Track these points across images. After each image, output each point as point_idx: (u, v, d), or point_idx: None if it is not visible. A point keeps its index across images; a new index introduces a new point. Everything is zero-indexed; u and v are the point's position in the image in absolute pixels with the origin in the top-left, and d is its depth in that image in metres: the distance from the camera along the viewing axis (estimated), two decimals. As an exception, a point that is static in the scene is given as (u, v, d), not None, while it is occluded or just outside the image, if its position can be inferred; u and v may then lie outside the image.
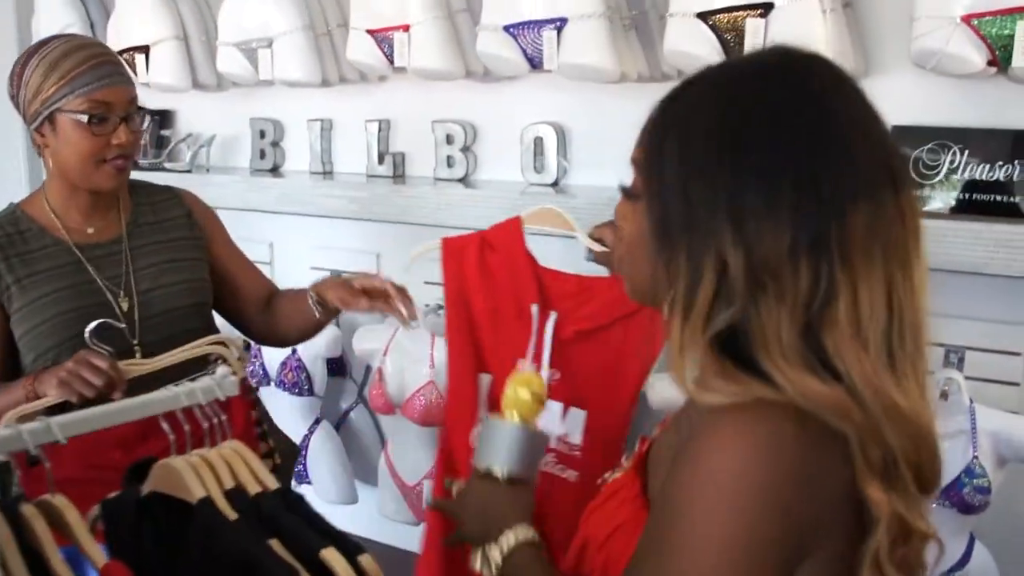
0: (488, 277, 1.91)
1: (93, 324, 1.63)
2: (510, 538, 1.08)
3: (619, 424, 1.85)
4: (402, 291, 1.80)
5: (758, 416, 0.84)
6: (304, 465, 2.76)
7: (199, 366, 1.64)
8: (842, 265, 0.82)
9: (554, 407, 1.83)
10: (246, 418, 1.66)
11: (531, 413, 1.21)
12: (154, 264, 1.85)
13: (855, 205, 0.83)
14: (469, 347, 1.91)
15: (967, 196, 1.93)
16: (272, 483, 1.13)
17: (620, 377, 1.85)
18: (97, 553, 0.96)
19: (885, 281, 0.84)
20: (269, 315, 2.01)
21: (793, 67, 0.90)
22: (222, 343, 1.65)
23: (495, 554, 1.10)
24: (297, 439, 2.65)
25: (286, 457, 1.98)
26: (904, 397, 0.84)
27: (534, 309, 1.85)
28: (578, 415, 1.86)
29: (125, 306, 1.78)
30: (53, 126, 1.72)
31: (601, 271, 1.84)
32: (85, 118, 1.69)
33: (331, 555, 0.97)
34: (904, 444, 0.84)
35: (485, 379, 1.91)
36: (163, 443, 1.28)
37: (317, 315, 1.88)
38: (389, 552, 2.94)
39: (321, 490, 2.76)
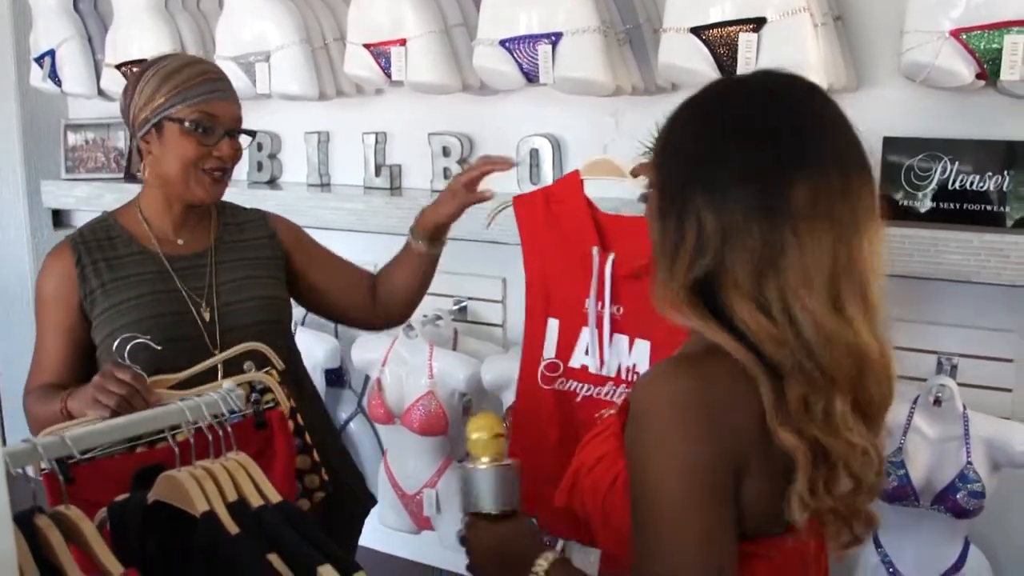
0: (555, 228, 2.05)
1: (118, 340, 1.62)
2: (543, 562, 1.21)
3: None
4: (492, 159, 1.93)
5: (678, 373, 1.10)
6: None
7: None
8: (791, 227, 1.03)
9: (621, 340, 1.99)
10: (287, 447, 1.55)
11: (496, 450, 1.29)
12: (234, 280, 1.87)
13: (798, 182, 1.04)
14: (540, 295, 2.08)
15: (958, 206, 1.96)
16: (274, 496, 1.15)
17: None
18: (113, 563, 0.98)
19: (831, 239, 1.04)
20: (377, 294, 2.04)
21: (772, 83, 1.14)
22: (260, 355, 1.62)
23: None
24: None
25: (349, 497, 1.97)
26: (846, 328, 1.04)
27: (595, 251, 1.97)
28: (643, 346, 1.96)
29: (207, 317, 1.80)
30: (160, 133, 1.76)
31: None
32: (193, 126, 1.74)
33: (328, 572, 1.02)
34: (844, 364, 1.04)
35: (553, 324, 2.06)
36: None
37: (423, 248, 1.96)
38: (389, 561, 2.96)
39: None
